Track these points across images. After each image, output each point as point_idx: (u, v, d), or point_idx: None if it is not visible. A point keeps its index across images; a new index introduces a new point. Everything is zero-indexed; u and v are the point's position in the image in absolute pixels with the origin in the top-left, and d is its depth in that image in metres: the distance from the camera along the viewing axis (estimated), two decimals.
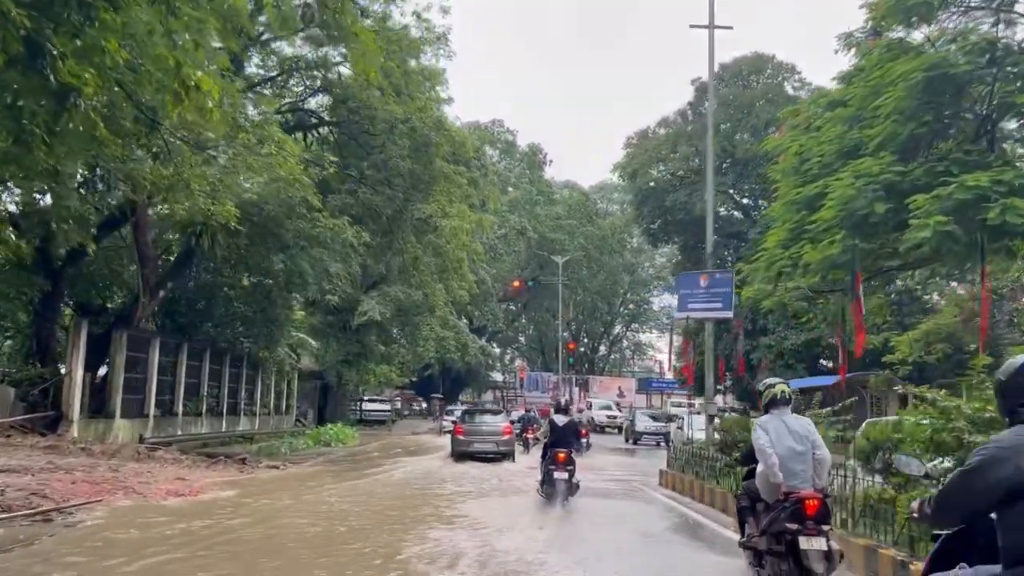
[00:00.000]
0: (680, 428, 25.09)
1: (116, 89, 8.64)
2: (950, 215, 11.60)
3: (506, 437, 21.13)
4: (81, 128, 7.87)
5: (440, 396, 56.99)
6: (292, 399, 34.27)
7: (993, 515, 2.87)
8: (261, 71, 23.90)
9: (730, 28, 19.81)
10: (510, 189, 62.05)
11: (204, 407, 23.16)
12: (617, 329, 78.99)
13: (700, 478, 13.50)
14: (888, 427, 10.03)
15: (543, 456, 12.77)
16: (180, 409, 21.56)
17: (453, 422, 25.71)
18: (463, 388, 64.18)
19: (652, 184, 41.16)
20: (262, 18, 17.63)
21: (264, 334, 25.36)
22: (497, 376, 71.51)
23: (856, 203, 13.32)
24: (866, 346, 24.20)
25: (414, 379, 52.84)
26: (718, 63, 47.27)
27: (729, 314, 14.87)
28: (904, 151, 13.96)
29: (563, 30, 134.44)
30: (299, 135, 24.70)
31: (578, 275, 58.12)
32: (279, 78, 23.72)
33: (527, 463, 19.51)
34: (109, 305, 22.28)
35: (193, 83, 7.47)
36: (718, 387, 46.68)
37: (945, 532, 3.40)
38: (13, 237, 12.57)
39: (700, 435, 16.17)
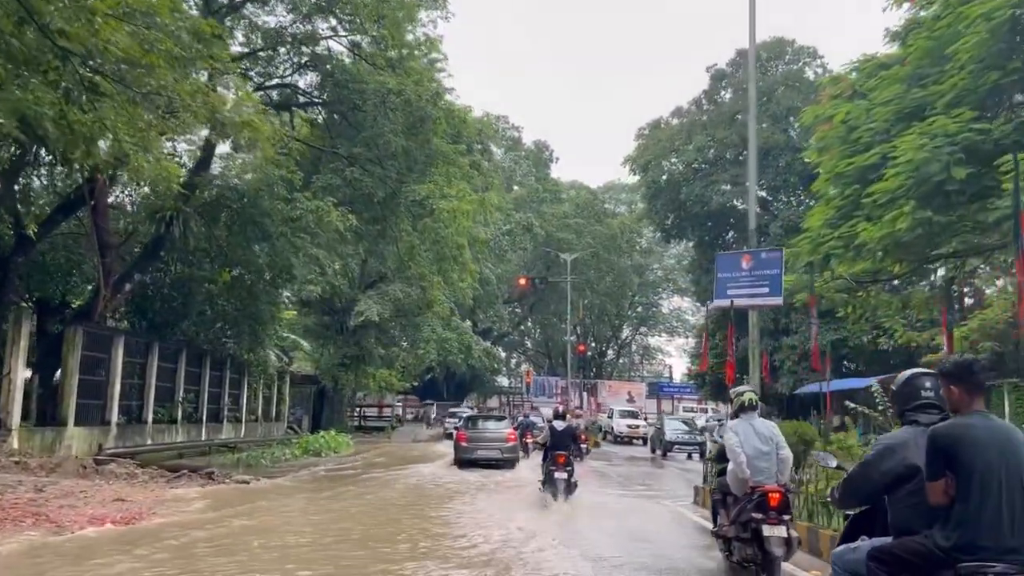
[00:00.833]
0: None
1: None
2: None
3: (510, 444, 20.89)
4: None
5: (430, 402, 55.14)
6: (283, 405, 32.10)
7: (886, 497, 3.75)
8: (245, 50, 21.87)
9: None
10: (515, 187, 60.02)
11: (180, 414, 21.01)
12: (625, 333, 76.86)
13: None
14: None
15: (543, 458, 13.56)
16: (150, 416, 19.42)
17: (456, 427, 25.03)
18: (468, 393, 62.00)
19: (665, 177, 38.96)
20: None
21: (247, 333, 23.25)
22: (503, 381, 69.49)
23: (929, 168, 11.17)
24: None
25: (416, 384, 50.65)
26: (734, 49, 45.27)
27: (779, 300, 12.65)
28: (984, 106, 11.82)
29: (567, 24, 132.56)
30: (285, 116, 22.65)
31: (586, 276, 55.90)
32: (261, 53, 21.60)
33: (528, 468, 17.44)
34: (78, 302, 20.15)
35: None
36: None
37: (853, 513, 4.23)
38: None
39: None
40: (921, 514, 3.44)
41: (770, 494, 6.61)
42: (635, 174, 41.53)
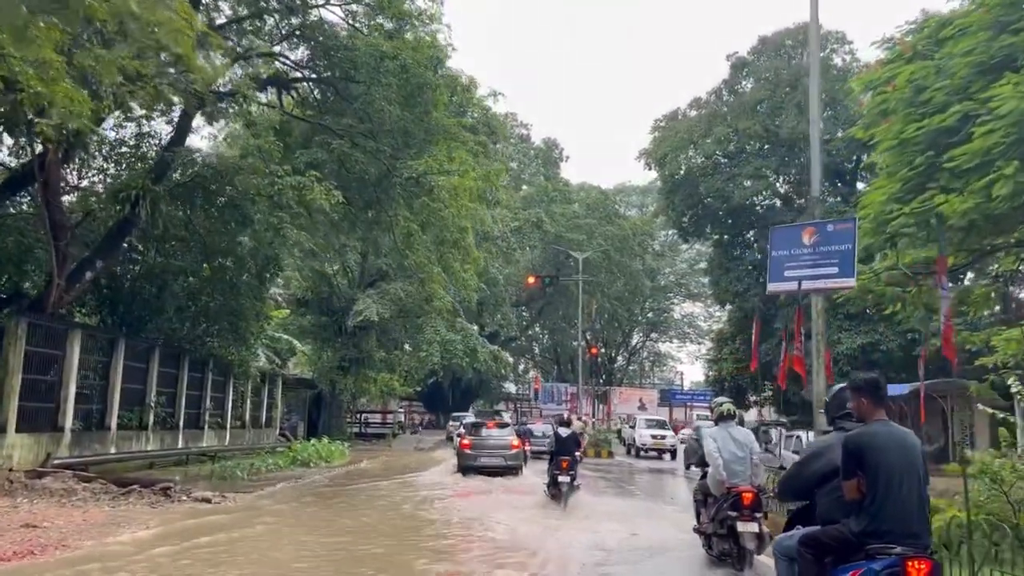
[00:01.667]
0: (767, 449, 20.31)
1: None
2: None
3: (514, 451, 20.70)
4: None
5: (423, 409, 53.30)
6: (275, 410, 29.93)
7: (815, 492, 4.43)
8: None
9: None
10: (524, 187, 57.92)
11: (151, 419, 18.88)
12: (636, 338, 74.59)
13: None
14: None
15: (549, 462, 14.81)
16: (114, 421, 17.29)
17: (459, 434, 24.24)
18: (474, 399, 59.78)
19: (683, 171, 36.71)
20: None
21: (230, 331, 21.16)
22: (510, 387, 67.34)
23: None
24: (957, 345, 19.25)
25: (419, 389, 48.49)
26: (756, 36, 43.04)
27: (851, 282, 10.34)
28: None
29: (571, 25, 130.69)
30: (272, 93, 20.62)
31: (597, 278, 53.63)
32: (247, 22, 19.55)
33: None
34: (34, 291, 18.06)
35: None
36: (753, 399, 42.32)
37: (793, 508, 4.94)
38: None
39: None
40: (841, 507, 4.12)
41: (744, 494, 7.48)
42: (650, 168, 39.22)
